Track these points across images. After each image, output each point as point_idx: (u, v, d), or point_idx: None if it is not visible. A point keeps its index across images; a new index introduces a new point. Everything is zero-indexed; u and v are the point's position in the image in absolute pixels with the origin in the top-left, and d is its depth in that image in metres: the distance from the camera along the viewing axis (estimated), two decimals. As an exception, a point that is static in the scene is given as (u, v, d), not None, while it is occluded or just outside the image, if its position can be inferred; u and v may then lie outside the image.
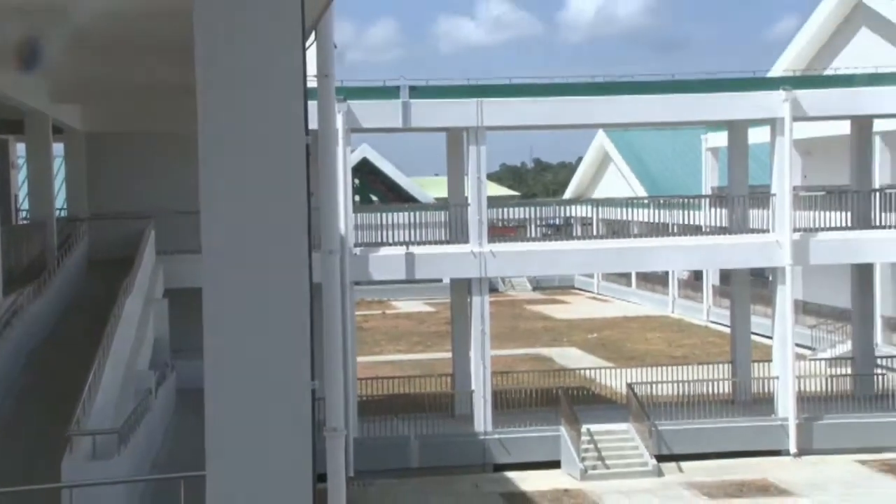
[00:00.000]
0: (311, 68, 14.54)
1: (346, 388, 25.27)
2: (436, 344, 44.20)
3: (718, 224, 33.77)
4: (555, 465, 28.03)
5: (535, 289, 70.57)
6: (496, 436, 28.54)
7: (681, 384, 31.31)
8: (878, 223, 30.97)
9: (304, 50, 6.49)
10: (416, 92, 28.65)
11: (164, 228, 24.23)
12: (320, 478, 13.22)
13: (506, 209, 36.56)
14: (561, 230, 45.27)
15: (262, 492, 6.05)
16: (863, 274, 32.43)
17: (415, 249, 28.98)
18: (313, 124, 12.98)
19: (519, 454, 28.32)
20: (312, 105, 13.64)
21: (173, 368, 20.21)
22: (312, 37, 13.69)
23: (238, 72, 6.12)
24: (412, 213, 31.17)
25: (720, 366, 33.03)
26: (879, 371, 32.01)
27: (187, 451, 13.41)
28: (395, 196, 65.38)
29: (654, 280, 60.26)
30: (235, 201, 6.08)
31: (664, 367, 32.90)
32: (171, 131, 23.08)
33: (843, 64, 38.93)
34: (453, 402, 30.50)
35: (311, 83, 14.46)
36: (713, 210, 36.90)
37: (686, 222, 42.00)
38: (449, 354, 32.61)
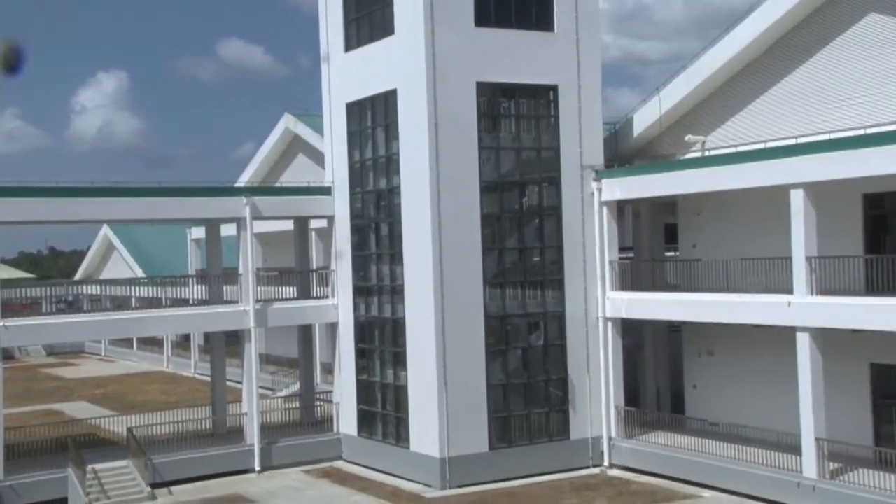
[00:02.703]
0: None
1: None
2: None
3: (201, 297, 33.01)
4: (64, 501, 25.87)
5: (49, 354, 65.27)
6: (7, 483, 25.75)
7: (173, 424, 30.31)
8: (315, 294, 31.79)
9: None
10: (-70, 191, 25.29)
11: None
12: None
13: (22, 289, 33.79)
14: (73, 305, 42.66)
15: None
16: (306, 332, 33.33)
17: (-68, 326, 25.38)
18: None
19: (30, 496, 25.88)
20: None
21: None
22: None
23: None
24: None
25: (204, 407, 32.42)
26: (318, 403, 32.78)
27: None
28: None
29: (153, 342, 58.26)
30: None
31: (160, 412, 31.55)
32: None
33: (288, 178, 39.93)
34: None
35: None
36: (197, 287, 36.32)
37: (177, 297, 41.16)
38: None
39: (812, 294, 22.48)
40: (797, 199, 22.56)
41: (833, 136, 23.58)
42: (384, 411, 28.58)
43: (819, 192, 22.45)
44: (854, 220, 24.14)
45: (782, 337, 23.37)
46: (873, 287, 22.22)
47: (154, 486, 26.88)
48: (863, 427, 24.08)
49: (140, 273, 56.87)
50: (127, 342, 60.87)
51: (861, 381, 24.32)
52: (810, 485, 22.34)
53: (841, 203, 23.56)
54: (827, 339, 22.60)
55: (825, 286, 22.55)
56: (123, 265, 61.92)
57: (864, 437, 23.83)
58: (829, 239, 22.84)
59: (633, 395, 29.48)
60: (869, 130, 22.99)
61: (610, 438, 27.59)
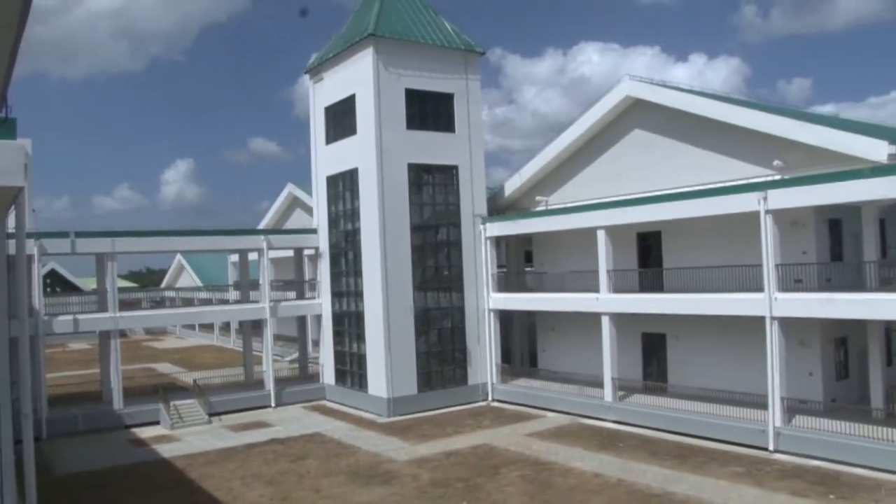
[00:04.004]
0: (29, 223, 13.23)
1: (38, 391, 24.07)
2: (94, 365, 39.47)
3: (239, 299, 33.49)
4: (157, 423, 26.99)
5: (147, 333, 65.95)
6: (126, 410, 27.08)
7: (221, 377, 31.40)
8: (307, 296, 31.49)
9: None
10: (79, 234, 26.51)
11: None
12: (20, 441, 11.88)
13: (131, 294, 36.14)
14: (160, 303, 43.93)
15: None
16: (302, 320, 33.05)
17: (79, 316, 26.72)
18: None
19: (139, 419, 26.92)
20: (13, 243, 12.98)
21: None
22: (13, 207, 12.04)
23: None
24: (79, 297, 29.27)
25: (239, 367, 32.99)
26: (310, 364, 32.80)
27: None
28: (71, 288, 58.15)
29: (207, 326, 58.79)
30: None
31: (213, 370, 33.21)
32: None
33: (290, 224, 40.00)
34: (103, 393, 28.46)
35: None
36: (235, 292, 37.25)
37: (221, 298, 42.28)
38: (99, 370, 29.92)
39: (610, 292, 23.67)
40: (601, 235, 23.75)
41: (620, 198, 24.43)
42: (351, 369, 28.54)
43: (613, 232, 23.71)
44: (632, 248, 25.36)
45: (593, 318, 24.28)
46: (642, 287, 24.14)
47: (210, 415, 27.49)
48: (637, 369, 25.67)
49: (199, 283, 57.78)
50: (192, 326, 61.45)
51: (636, 343, 25.78)
52: (608, 406, 23.90)
53: (625, 238, 24.65)
54: (618, 319, 23.77)
55: (617, 287, 23.83)
56: (189, 278, 62.77)
57: (637, 375, 25.52)
58: (619, 259, 24.14)
59: (506, 356, 30.10)
60: (639, 195, 24.03)
61: (492, 383, 28.02)
